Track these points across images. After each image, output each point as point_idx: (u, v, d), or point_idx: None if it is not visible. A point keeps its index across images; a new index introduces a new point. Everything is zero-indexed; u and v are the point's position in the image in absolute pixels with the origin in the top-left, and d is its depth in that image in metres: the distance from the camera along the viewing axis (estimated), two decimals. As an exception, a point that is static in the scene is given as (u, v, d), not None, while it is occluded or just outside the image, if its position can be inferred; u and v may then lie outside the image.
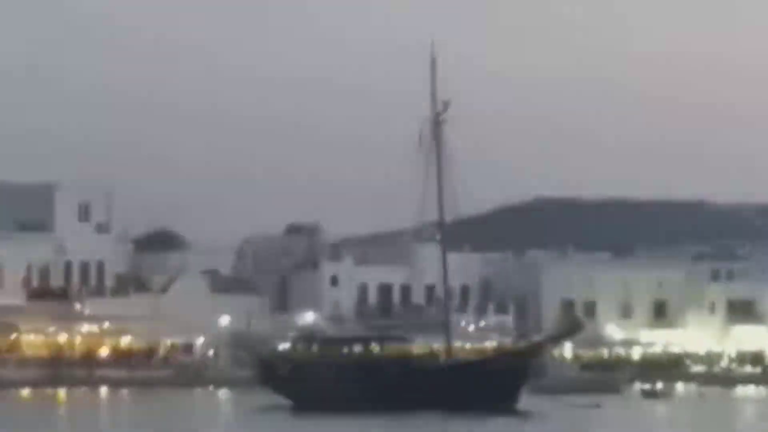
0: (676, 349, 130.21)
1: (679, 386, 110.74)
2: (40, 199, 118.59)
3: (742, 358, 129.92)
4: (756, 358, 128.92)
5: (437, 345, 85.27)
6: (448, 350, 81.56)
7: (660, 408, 79.77)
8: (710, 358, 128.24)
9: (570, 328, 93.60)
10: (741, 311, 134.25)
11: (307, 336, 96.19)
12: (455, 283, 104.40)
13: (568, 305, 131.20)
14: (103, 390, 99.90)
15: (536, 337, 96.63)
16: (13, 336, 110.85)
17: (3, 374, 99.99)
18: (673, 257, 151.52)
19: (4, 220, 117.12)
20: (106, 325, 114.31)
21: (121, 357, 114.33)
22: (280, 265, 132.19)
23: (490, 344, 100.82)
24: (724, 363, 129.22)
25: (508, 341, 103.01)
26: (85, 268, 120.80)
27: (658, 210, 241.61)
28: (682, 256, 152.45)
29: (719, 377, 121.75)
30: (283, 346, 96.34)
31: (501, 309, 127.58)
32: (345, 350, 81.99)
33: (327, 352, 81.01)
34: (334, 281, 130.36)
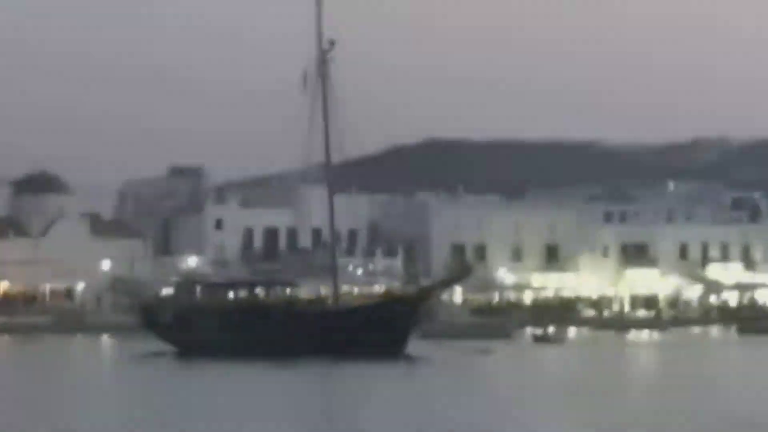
0: (568, 293, 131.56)
1: (571, 331, 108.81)
2: None
3: (635, 302, 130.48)
4: (649, 302, 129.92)
5: (324, 290, 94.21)
6: (336, 295, 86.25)
7: (551, 353, 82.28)
8: (603, 303, 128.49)
9: (460, 272, 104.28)
10: (634, 254, 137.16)
11: (191, 281, 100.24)
12: (343, 226, 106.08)
13: (458, 249, 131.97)
14: None
15: (426, 282, 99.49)
16: None
17: None
18: (565, 199, 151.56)
19: None
20: None
21: None
22: (163, 209, 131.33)
23: (378, 289, 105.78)
24: (616, 307, 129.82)
25: (396, 286, 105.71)
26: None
27: (549, 151, 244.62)
28: (573, 199, 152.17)
29: (612, 321, 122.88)
30: (166, 291, 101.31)
31: (390, 253, 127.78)
32: (229, 295, 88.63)
33: (211, 298, 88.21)
34: (219, 225, 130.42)
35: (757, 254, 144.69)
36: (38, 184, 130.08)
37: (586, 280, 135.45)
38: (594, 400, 40.21)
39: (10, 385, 53.59)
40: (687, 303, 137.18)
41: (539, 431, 31.51)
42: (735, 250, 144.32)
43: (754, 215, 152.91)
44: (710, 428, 32.82)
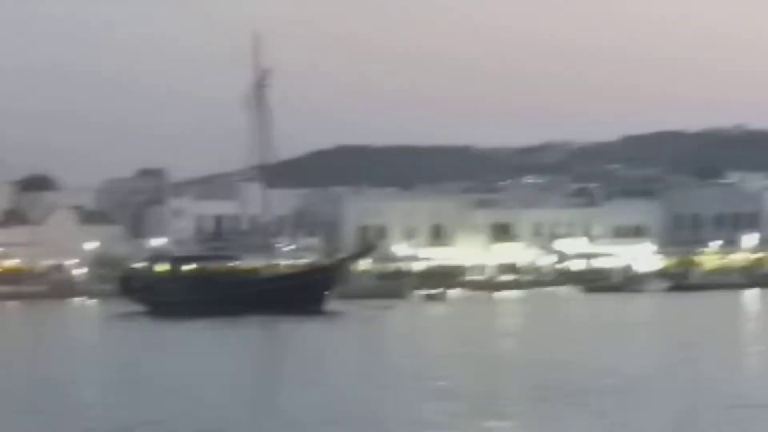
0: (449, 263, 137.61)
1: (454, 291, 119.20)
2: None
3: (501, 269, 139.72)
4: (512, 269, 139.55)
5: (260, 262, 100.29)
6: (269, 266, 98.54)
7: (438, 308, 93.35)
8: (477, 269, 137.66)
9: (366, 248, 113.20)
10: (500, 232, 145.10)
11: (158, 256, 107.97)
12: (274, 213, 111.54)
13: (363, 230, 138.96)
14: None
15: (339, 255, 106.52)
16: None
17: None
18: (447, 191, 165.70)
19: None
20: None
21: (7, 276, 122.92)
22: (134, 201, 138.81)
23: (302, 261, 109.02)
24: (487, 272, 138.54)
25: (317, 259, 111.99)
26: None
27: (433, 153, 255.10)
28: (453, 190, 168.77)
29: (484, 284, 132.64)
30: (139, 264, 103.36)
31: (311, 234, 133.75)
32: (187, 267, 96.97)
33: (174, 269, 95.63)
34: (177, 213, 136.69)
35: (595, 231, 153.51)
36: (37, 183, 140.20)
37: (464, 252, 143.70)
38: (467, 339, 50.55)
39: (18, 338, 64.50)
40: (542, 269, 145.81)
41: (424, 361, 36.35)
42: (578, 228, 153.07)
43: (592, 201, 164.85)
44: (557, 354, 40.85)
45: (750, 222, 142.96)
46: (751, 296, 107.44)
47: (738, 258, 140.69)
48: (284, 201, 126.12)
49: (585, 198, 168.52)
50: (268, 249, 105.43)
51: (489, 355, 41.95)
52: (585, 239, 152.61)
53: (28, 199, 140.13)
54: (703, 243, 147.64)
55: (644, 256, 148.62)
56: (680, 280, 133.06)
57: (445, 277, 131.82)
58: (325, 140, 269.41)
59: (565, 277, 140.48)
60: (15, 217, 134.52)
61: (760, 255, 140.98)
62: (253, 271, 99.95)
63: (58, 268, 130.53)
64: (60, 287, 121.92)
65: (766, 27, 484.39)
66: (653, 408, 19.71)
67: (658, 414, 18.38)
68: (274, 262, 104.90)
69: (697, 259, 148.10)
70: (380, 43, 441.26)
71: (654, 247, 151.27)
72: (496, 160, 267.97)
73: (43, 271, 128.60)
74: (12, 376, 32.89)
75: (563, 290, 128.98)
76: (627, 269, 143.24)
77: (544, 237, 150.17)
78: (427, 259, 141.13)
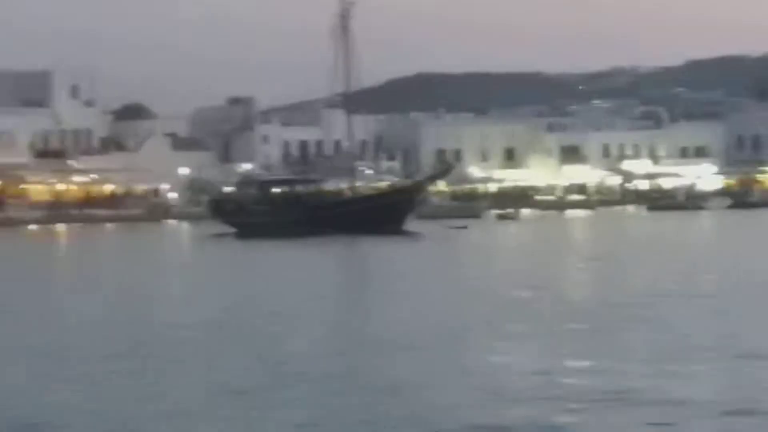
0: (521, 184, 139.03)
1: (525, 211, 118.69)
2: (40, 82, 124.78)
3: (570, 189, 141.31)
4: (580, 189, 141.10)
5: (344, 185, 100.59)
6: (353, 188, 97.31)
7: (511, 227, 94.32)
8: (547, 190, 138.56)
9: (443, 170, 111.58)
10: (570, 154, 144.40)
11: (246, 180, 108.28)
12: (356, 138, 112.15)
13: (440, 153, 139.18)
14: (93, 225, 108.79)
15: (418, 178, 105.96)
16: (23, 186, 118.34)
17: (16, 215, 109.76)
18: (519, 115, 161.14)
19: (13, 100, 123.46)
20: (94, 176, 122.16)
21: (106, 200, 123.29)
22: (224, 129, 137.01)
23: (383, 184, 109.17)
24: (557, 193, 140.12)
25: (397, 181, 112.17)
26: (76, 134, 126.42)
27: (506, 80, 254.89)
28: (525, 115, 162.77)
29: (555, 204, 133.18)
30: (229, 188, 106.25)
31: (391, 157, 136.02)
32: (275, 190, 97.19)
33: (262, 192, 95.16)
34: (265, 140, 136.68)
35: (660, 152, 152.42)
36: (132, 112, 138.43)
37: (535, 174, 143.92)
38: (537, 257, 50.20)
39: (118, 258, 64.96)
40: (609, 189, 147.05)
41: (500, 276, 37.47)
42: (644, 150, 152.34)
43: (657, 124, 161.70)
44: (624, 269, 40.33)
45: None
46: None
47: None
48: (366, 127, 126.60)
49: (651, 121, 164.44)
50: (350, 172, 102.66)
51: (555, 272, 41.42)
52: (650, 160, 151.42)
53: (125, 128, 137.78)
54: (763, 163, 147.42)
55: (707, 176, 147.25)
56: (741, 198, 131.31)
57: (517, 197, 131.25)
58: (404, 68, 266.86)
59: (632, 197, 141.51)
60: (112, 145, 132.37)
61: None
62: (338, 193, 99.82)
63: (154, 192, 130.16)
64: (155, 211, 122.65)
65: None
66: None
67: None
68: (357, 184, 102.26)
69: (757, 177, 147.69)
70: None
71: (716, 167, 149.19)
72: (565, 85, 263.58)
73: (140, 195, 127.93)
74: (123, 291, 33.72)
75: (629, 209, 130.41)
76: (690, 188, 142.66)
77: (611, 158, 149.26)
78: (501, 180, 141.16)
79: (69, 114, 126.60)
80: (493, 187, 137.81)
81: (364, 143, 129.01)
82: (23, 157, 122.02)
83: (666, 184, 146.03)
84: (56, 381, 13.05)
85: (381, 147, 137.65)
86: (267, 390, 11.93)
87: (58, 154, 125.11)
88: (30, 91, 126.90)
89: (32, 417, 10.32)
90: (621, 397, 10.31)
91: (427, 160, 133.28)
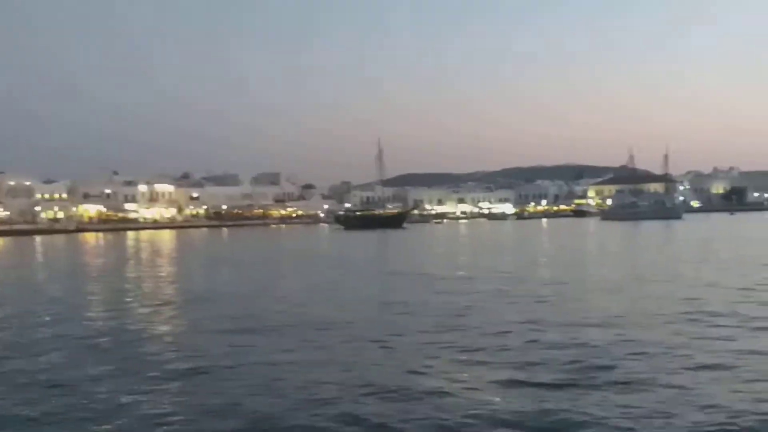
0: (444, 211, 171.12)
1: (445, 221, 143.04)
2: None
3: (461, 215, 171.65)
4: (465, 214, 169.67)
5: (380, 210, 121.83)
6: (383, 211, 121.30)
7: (440, 226, 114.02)
8: (452, 214, 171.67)
9: (414, 206, 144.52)
10: (461, 203, 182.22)
11: (347, 210, 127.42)
12: (385, 195, 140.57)
13: (415, 201, 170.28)
14: (290, 226, 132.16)
15: (406, 209, 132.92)
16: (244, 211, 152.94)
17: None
18: (445, 189, 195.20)
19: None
20: (294, 209, 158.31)
21: (299, 216, 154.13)
22: (340, 189, 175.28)
23: (394, 210, 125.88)
24: (456, 214, 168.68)
25: (399, 208, 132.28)
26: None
27: (448, 177, 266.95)
28: (447, 188, 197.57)
29: (454, 218, 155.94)
30: (340, 213, 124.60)
31: (397, 202, 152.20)
32: (355, 213, 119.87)
33: (351, 214, 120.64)
34: (353, 196, 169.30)
35: (494, 201, 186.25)
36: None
37: (451, 208, 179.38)
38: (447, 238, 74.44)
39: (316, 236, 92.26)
40: (472, 212, 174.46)
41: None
42: (484, 200, 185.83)
43: (493, 191, 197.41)
44: None
45: None
46: None
47: None
48: (387, 192, 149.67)
49: (499, 191, 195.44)
50: (383, 206, 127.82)
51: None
52: (489, 203, 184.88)
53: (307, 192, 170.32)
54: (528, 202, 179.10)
55: (509, 208, 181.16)
56: (521, 216, 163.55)
57: (441, 216, 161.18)
58: (404, 170, 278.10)
59: (476, 215, 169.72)
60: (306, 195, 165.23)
61: None
62: (378, 213, 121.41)
63: (317, 216, 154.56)
64: (316, 221, 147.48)
65: None
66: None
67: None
68: (385, 210, 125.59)
69: (527, 208, 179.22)
70: None
71: (512, 205, 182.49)
72: (472, 178, 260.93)
73: (312, 215, 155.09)
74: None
75: (481, 221, 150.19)
76: (503, 212, 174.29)
77: (476, 203, 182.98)
78: (435, 210, 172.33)
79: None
80: (434, 212, 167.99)
81: (388, 198, 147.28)
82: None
83: (496, 210, 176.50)
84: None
85: (393, 198, 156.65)
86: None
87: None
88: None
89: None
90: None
91: (410, 203, 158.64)
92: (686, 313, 16.20)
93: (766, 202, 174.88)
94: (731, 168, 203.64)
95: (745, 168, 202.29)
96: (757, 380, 9.50)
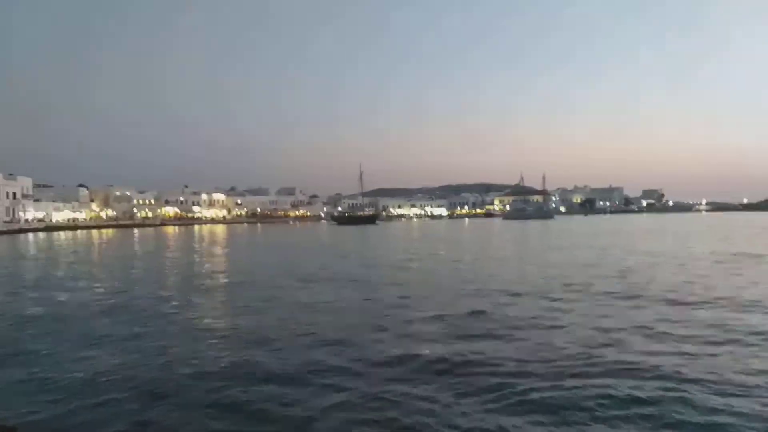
0: (401, 213, 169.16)
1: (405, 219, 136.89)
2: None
3: (409, 216, 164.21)
4: (412, 216, 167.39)
5: (360, 212, 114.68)
6: (362, 213, 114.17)
7: (401, 223, 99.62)
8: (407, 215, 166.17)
9: (381, 210, 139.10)
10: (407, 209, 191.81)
11: (340, 212, 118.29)
12: (365, 202, 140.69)
13: (383, 207, 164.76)
14: (297, 222, 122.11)
15: (377, 211, 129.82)
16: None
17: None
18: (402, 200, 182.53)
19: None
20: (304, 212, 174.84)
21: (300, 217, 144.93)
22: (335, 198, 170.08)
23: (369, 212, 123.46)
24: (409, 215, 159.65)
25: (372, 211, 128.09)
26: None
27: (404, 191, 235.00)
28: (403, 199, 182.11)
29: (408, 219, 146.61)
30: (335, 213, 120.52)
31: (370, 207, 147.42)
32: (344, 214, 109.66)
33: (342, 214, 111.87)
34: (343, 203, 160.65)
35: (435, 210, 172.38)
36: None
37: (406, 212, 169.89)
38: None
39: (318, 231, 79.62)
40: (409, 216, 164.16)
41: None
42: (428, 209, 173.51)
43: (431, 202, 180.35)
44: None
45: None
46: None
47: None
48: (365, 200, 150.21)
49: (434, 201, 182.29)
50: (363, 210, 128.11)
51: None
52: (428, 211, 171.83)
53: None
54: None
55: (440, 210, 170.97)
56: (451, 216, 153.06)
57: (401, 216, 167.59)
58: (375, 185, 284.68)
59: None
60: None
61: None
62: (358, 215, 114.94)
63: (319, 216, 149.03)
64: (319, 219, 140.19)
65: None
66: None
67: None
68: (364, 212, 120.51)
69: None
70: None
71: (445, 209, 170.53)
72: (423, 191, 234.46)
73: (315, 215, 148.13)
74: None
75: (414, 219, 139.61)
76: (423, 216, 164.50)
77: (422, 209, 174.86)
78: (394, 212, 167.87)
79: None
80: (396, 214, 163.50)
81: (366, 204, 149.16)
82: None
83: (436, 212, 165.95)
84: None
85: (369, 204, 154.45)
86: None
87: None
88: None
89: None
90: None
91: (380, 208, 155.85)
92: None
93: (606, 209, 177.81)
94: (585, 186, 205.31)
95: (594, 186, 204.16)
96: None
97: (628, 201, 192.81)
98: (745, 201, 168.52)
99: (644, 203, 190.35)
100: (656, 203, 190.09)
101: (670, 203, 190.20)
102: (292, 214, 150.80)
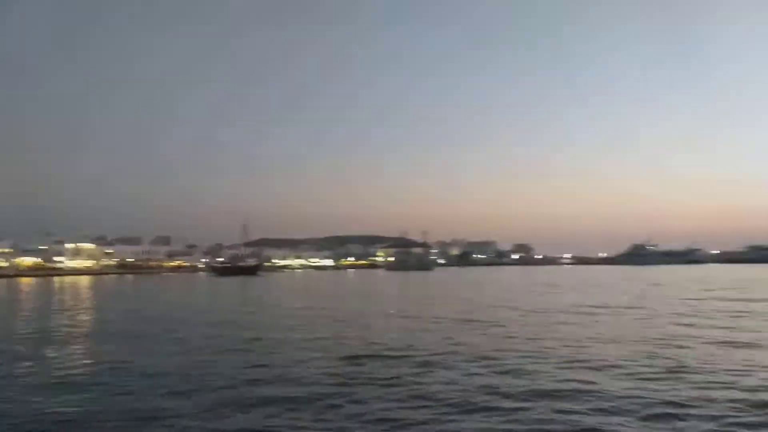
0: (294, 264, 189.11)
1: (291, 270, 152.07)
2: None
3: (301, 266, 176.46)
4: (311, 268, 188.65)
5: (242, 263, 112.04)
6: (243, 263, 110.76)
7: (285, 276, 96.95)
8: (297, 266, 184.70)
9: (265, 261, 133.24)
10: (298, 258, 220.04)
11: (220, 262, 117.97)
12: (246, 252, 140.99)
13: (268, 259, 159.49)
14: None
15: (259, 263, 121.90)
16: None
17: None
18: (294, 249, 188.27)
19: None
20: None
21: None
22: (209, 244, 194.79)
23: (252, 262, 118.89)
24: (298, 265, 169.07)
25: (255, 262, 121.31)
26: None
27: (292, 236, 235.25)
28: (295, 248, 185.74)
29: (295, 269, 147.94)
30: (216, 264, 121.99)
31: (252, 258, 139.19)
32: (225, 265, 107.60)
33: (222, 265, 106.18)
34: (222, 254, 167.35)
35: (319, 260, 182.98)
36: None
37: (309, 261, 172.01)
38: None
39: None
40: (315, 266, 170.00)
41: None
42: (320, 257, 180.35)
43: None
44: None
45: None
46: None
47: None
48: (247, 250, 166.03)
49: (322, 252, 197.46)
50: (244, 260, 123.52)
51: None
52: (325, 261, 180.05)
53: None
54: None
55: (324, 261, 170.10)
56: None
57: (285, 267, 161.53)
58: (263, 234, 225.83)
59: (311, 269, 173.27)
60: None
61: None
62: (240, 265, 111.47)
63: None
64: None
65: None
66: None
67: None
68: (245, 262, 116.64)
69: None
70: None
71: (332, 261, 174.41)
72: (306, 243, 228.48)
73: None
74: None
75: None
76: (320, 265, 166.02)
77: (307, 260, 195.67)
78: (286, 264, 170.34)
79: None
80: (279, 264, 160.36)
81: (248, 254, 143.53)
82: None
83: (321, 263, 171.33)
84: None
85: (253, 255, 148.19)
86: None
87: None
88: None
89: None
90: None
91: (264, 259, 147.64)
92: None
93: (479, 260, 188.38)
94: (463, 239, 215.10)
95: (470, 239, 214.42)
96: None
97: (500, 254, 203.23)
98: (603, 255, 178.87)
99: (515, 256, 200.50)
100: (526, 256, 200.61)
101: (539, 256, 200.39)
102: (166, 264, 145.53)
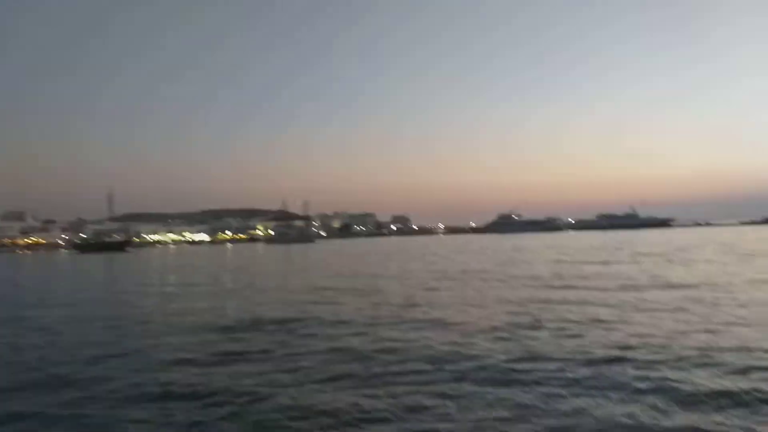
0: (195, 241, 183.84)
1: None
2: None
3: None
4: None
5: (117, 237, 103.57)
6: (118, 238, 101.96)
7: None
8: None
9: (127, 239, 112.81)
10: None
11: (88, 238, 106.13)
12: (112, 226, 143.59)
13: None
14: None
15: (129, 238, 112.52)
16: None
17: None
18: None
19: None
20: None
21: None
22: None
23: (118, 237, 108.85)
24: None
25: (125, 237, 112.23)
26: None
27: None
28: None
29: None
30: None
31: (121, 233, 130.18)
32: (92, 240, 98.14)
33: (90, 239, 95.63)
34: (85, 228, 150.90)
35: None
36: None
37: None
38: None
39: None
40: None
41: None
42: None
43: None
44: None
45: None
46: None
47: None
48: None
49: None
50: (121, 234, 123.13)
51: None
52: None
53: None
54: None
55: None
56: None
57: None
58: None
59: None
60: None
61: None
62: (113, 240, 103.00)
63: None
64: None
65: None
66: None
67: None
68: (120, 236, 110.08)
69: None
70: None
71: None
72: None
73: None
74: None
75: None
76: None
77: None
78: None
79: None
80: (151, 240, 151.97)
81: (115, 230, 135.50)
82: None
83: (196, 238, 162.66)
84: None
85: (120, 230, 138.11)
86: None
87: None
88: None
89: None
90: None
91: (131, 235, 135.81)
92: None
93: (360, 232, 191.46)
94: (344, 212, 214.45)
95: (351, 211, 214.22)
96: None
97: (380, 225, 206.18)
98: (473, 225, 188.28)
99: (394, 227, 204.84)
100: (404, 227, 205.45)
101: (415, 227, 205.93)
102: (21, 242, 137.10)
